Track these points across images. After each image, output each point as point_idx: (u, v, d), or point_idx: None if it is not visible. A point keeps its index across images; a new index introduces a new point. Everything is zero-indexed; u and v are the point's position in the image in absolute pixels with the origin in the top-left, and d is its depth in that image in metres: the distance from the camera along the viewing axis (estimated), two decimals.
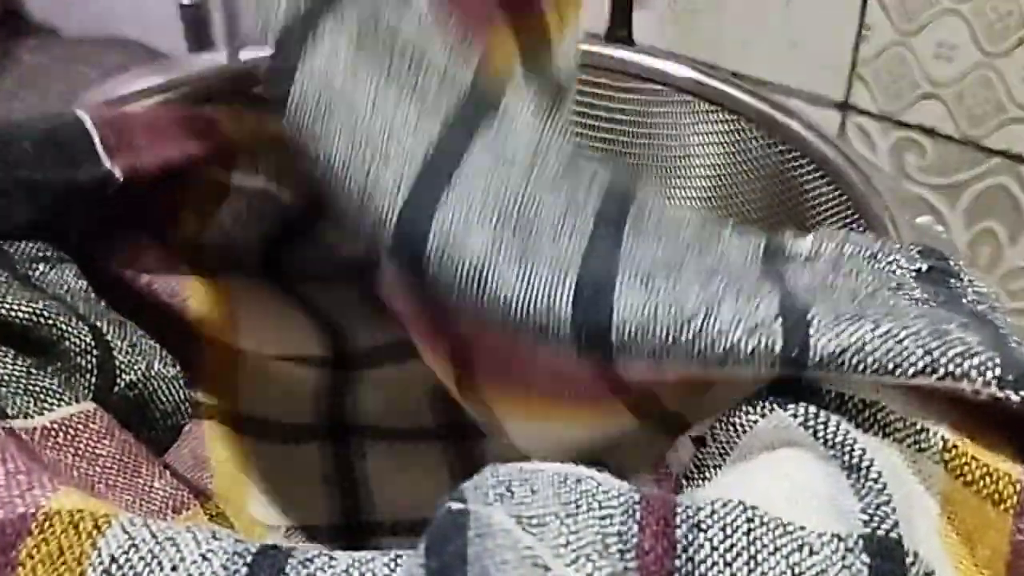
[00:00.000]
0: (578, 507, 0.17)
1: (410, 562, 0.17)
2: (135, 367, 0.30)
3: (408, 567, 0.17)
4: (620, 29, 0.57)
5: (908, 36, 0.51)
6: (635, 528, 0.17)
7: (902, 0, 0.50)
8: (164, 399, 0.31)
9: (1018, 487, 0.18)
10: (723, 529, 0.17)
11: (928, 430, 0.19)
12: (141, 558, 0.18)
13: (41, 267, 0.30)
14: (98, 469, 0.26)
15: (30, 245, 0.30)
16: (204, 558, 0.17)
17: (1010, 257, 0.50)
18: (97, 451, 0.26)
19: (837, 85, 0.54)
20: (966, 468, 0.19)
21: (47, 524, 0.18)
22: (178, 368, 0.32)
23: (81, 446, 0.26)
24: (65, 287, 0.30)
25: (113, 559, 0.17)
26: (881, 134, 0.53)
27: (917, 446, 0.19)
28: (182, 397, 0.32)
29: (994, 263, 0.51)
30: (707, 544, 0.17)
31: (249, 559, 0.18)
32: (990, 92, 0.48)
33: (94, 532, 0.18)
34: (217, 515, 0.29)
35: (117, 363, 0.29)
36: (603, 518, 0.17)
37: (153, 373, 0.30)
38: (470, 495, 0.18)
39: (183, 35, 0.76)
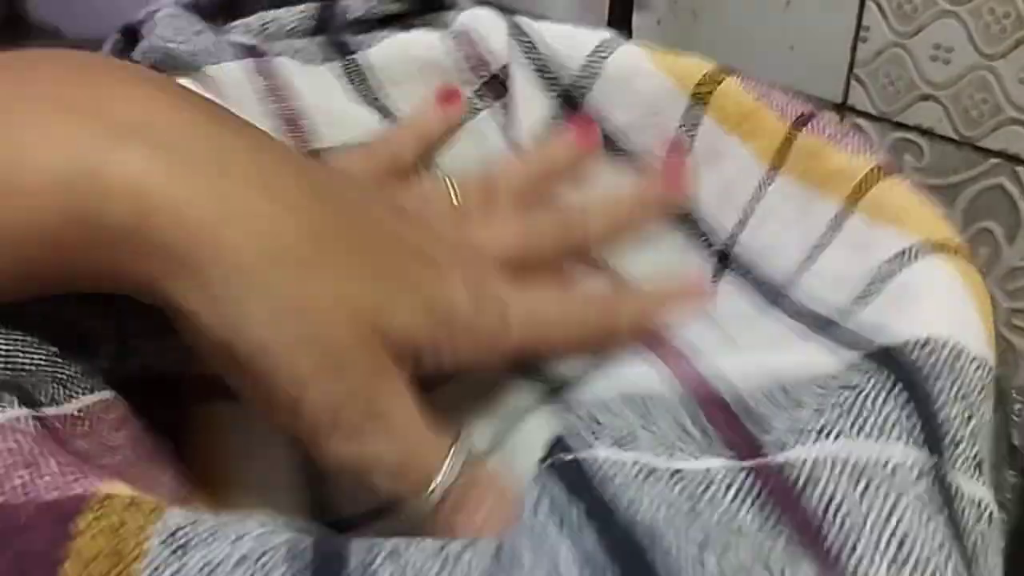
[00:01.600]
0: (648, 409, 0.21)
1: (551, 517, 0.18)
2: (148, 344, 0.29)
3: (546, 517, 0.18)
4: (620, 30, 0.57)
5: (905, 38, 0.51)
6: (698, 410, 0.21)
7: (900, 2, 0.50)
8: (177, 359, 0.30)
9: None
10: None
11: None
12: (205, 529, 0.18)
13: None
14: (118, 458, 0.26)
15: None
16: (272, 532, 0.18)
17: (1008, 257, 0.51)
18: (114, 442, 0.26)
19: (835, 86, 0.54)
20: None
21: (107, 501, 0.18)
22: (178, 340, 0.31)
23: (103, 435, 0.26)
24: None
25: (179, 527, 0.18)
26: (879, 135, 0.54)
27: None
28: (190, 356, 0.30)
29: (992, 263, 0.51)
30: None
31: (314, 537, 0.18)
32: (987, 93, 0.49)
33: (156, 510, 0.18)
34: (215, 507, 0.29)
35: (130, 344, 0.29)
36: (668, 409, 0.21)
37: (169, 345, 0.29)
38: (572, 442, 0.20)
39: None
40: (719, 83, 0.37)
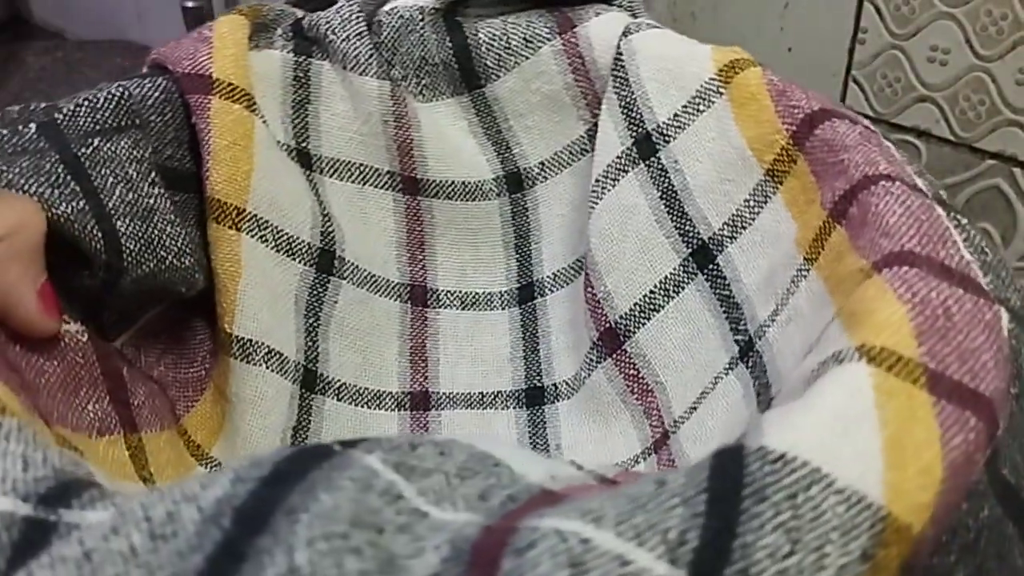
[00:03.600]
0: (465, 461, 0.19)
1: (244, 472, 0.18)
2: (144, 265, 0.32)
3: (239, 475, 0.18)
4: None
5: (903, 40, 0.51)
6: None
7: (897, 4, 0.51)
8: (177, 281, 0.34)
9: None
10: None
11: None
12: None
13: (95, 141, 0.32)
14: (43, 380, 0.28)
15: (89, 118, 0.32)
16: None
17: (1004, 258, 0.51)
18: (45, 367, 0.29)
19: (833, 88, 0.55)
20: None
21: None
22: (194, 257, 0.34)
23: (33, 359, 0.28)
24: (114, 164, 0.32)
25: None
26: None
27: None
28: (195, 279, 0.34)
29: None
30: None
31: None
32: (984, 95, 0.49)
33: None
34: (135, 448, 0.31)
35: (125, 263, 0.32)
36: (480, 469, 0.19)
37: (165, 266, 0.33)
38: (360, 444, 0.19)
39: None
40: (794, 162, 0.34)
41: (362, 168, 0.41)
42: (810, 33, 0.55)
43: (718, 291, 0.36)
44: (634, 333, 0.37)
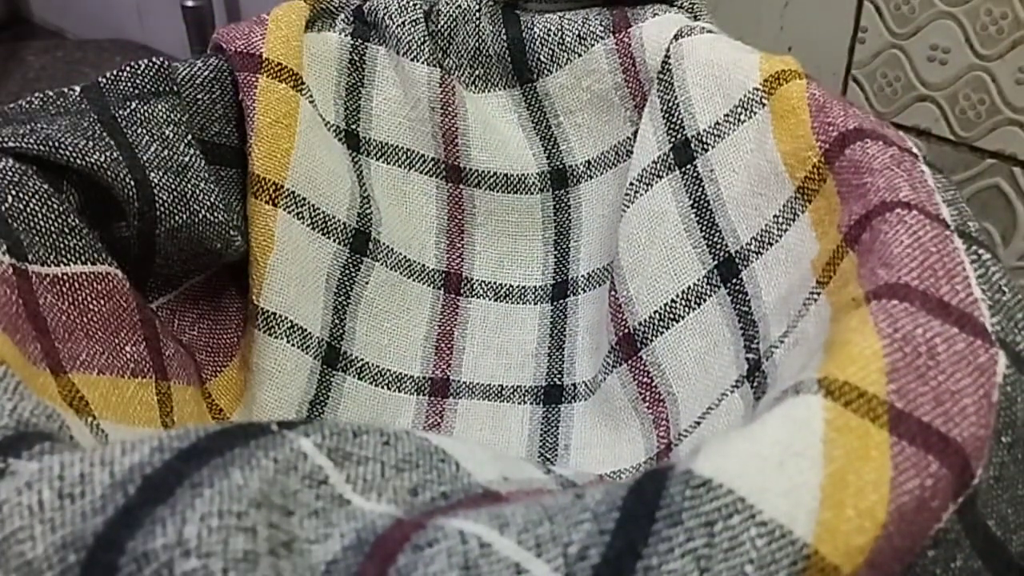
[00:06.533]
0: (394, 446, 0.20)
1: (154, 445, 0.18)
2: (176, 216, 0.33)
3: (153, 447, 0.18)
4: None
5: (903, 40, 0.51)
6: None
7: (897, 3, 0.50)
8: (212, 237, 0.35)
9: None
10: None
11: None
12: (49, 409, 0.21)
13: (134, 104, 0.33)
14: (84, 320, 0.30)
15: (129, 83, 0.34)
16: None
17: (1004, 257, 0.51)
18: (90, 306, 0.30)
19: (833, 88, 0.55)
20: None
21: None
22: (227, 214, 0.35)
23: (79, 299, 0.30)
24: (150, 124, 0.33)
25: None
26: None
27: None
28: (231, 236, 0.36)
29: None
30: None
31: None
32: (984, 94, 0.49)
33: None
34: (163, 394, 0.33)
35: (158, 213, 0.33)
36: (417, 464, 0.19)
37: (198, 220, 0.34)
38: (299, 426, 0.19)
39: (186, 36, 0.77)
40: (824, 180, 0.33)
41: (409, 153, 0.42)
42: (810, 33, 0.55)
43: (738, 306, 0.35)
44: (651, 341, 0.37)
